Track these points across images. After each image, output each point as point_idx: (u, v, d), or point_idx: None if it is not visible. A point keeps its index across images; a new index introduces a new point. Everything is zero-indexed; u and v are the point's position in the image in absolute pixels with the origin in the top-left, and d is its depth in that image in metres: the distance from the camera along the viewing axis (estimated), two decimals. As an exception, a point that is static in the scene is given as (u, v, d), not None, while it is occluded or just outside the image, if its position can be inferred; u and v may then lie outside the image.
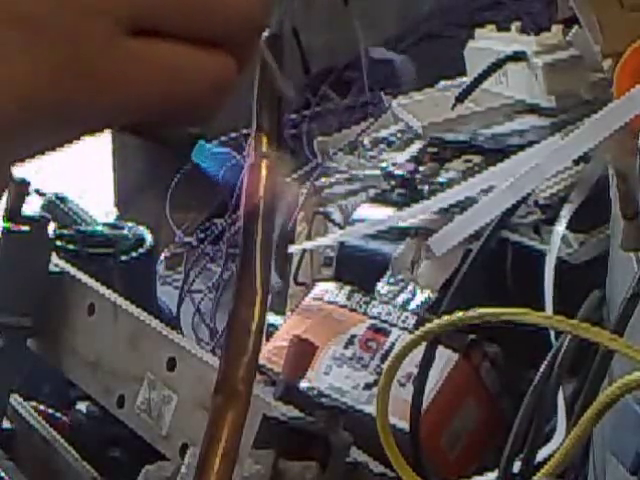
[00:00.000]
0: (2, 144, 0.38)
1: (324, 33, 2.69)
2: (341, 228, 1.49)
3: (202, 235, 2.37)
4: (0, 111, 0.37)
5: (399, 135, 1.53)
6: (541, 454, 0.97)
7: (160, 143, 0.43)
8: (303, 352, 1.16)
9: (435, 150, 1.42)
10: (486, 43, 1.49)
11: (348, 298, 1.36)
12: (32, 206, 1.64)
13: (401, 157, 1.43)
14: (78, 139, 0.40)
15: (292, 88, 0.50)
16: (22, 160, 0.41)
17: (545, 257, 1.16)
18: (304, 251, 1.55)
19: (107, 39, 0.37)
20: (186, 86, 0.39)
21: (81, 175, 2.62)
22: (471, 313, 0.72)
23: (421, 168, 1.38)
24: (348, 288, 1.38)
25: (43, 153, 0.40)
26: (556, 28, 1.38)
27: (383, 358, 1.26)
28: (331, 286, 1.40)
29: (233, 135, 2.26)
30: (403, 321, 1.29)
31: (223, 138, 2.29)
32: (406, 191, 1.38)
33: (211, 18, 0.39)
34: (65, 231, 1.84)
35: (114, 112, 0.39)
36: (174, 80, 0.39)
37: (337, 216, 1.54)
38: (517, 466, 0.96)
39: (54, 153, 0.41)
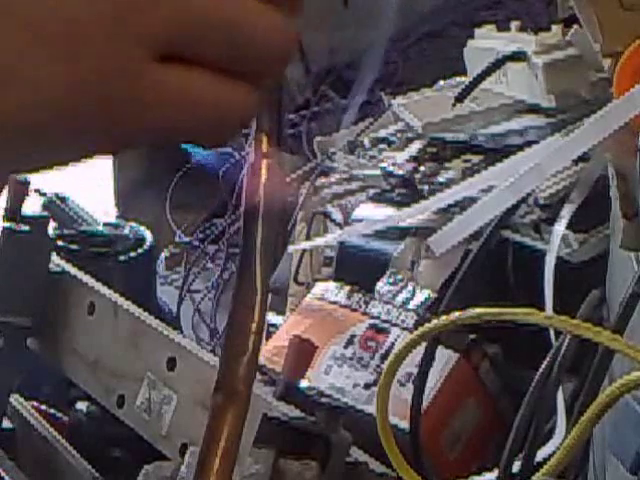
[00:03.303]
0: (12, 149, 0.38)
1: (324, 33, 2.69)
2: (341, 228, 1.48)
3: (202, 235, 2.37)
4: (24, 112, 0.37)
5: (399, 135, 1.52)
6: (541, 454, 0.97)
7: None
8: (303, 352, 1.16)
9: (435, 150, 1.42)
10: (486, 43, 1.48)
11: (348, 298, 1.36)
12: (32, 206, 1.64)
13: (401, 157, 1.43)
14: (90, 157, 0.40)
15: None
16: (26, 170, 0.41)
17: (545, 257, 1.16)
18: (304, 251, 1.55)
19: (141, 62, 0.38)
20: (207, 116, 0.40)
21: (81, 175, 2.61)
22: (471, 313, 0.72)
23: (421, 168, 1.38)
24: (348, 288, 1.38)
25: (49, 167, 0.40)
26: (556, 28, 1.38)
27: (383, 358, 1.25)
28: (331, 286, 1.40)
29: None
30: (403, 321, 1.29)
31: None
32: (406, 191, 1.38)
33: (243, 53, 0.40)
34: (65, 231, 1.84)
35: (131, 134, 0.39)
36: (195, 110, 0.40)
37: (337, 216, 1.54)
38: (517, 466, 0.96)
39: (59, 168, 0.41)
